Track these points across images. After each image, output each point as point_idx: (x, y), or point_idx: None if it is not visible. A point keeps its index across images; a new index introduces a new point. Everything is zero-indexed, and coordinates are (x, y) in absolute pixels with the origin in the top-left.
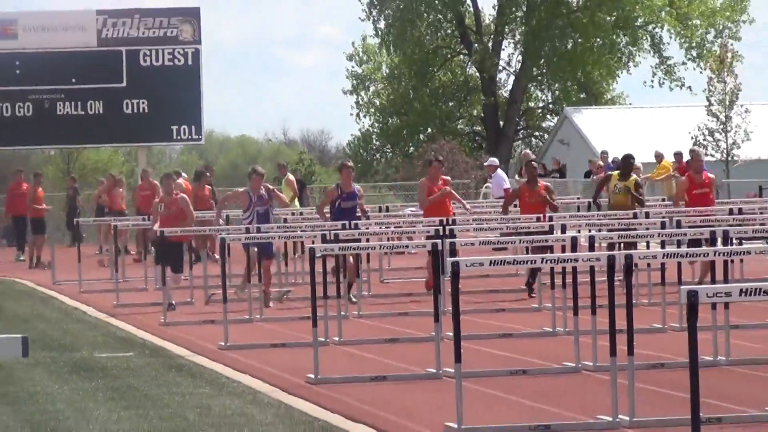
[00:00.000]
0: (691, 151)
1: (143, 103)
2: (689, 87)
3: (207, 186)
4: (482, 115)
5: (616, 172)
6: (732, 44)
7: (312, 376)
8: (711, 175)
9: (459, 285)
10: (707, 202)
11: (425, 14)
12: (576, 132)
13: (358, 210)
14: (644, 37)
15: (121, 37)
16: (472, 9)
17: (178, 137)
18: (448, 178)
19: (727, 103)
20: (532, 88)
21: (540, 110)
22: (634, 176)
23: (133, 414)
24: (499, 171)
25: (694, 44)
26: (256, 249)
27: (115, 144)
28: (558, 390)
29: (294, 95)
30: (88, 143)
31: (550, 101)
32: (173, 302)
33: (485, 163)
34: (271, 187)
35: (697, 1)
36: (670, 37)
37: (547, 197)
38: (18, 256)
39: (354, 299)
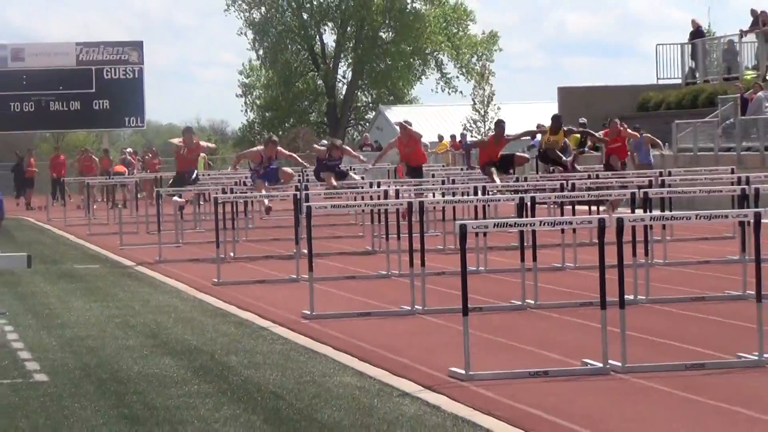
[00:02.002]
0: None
1: (106, 102)
2: (461, 92)
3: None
4: (326, 111)
5: (547, 131)
6: (488, 64)
7: (216, 280)
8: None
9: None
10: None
11: (289, 45)
12: (387, 122)
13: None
14: (431, 60)
15: (92, 59)
16: (319, 42)
17: (129, 124)
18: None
19: (486, 103)
20: (359, 93)
21: (363, 107)
22: (562, 134)
23: (100, 305)
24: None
25: (463, 65)
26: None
27: (88, 129)
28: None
29: (205, 97)
30: (71, 129)
31: (370, 102)
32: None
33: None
34: (286, 152)
35: (466, 37)
36: (449, 60)
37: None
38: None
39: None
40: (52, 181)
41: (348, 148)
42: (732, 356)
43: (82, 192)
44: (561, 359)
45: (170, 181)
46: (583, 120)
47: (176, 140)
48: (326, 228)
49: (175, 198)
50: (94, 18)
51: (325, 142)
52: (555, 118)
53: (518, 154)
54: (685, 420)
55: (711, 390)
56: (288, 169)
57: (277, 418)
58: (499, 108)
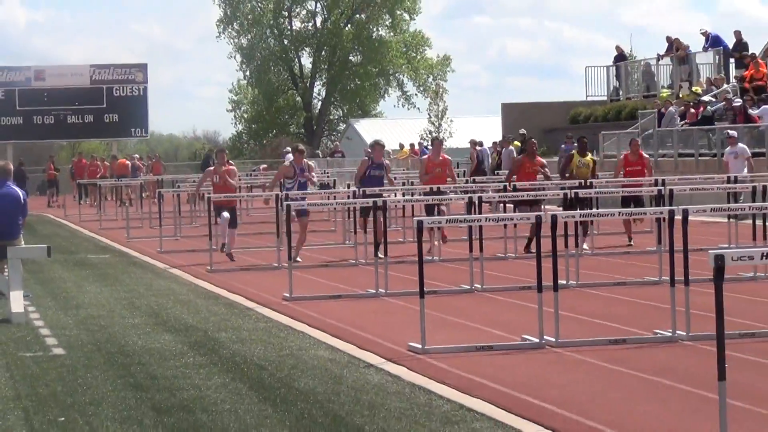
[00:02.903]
0: (436, 140)
1: (115, 116)
2: (418, 108)
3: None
4: (303, 123)
5: (575, 152)
6: (442, 84)
7: (209, 267)
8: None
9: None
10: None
11: (272, 67)
12: (355, 133)
13: (385, 178)
14: (393, 80)
15: (103, 79)
16: (297, 65)
17: (134, 135)
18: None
19: (440, 117)
20: (332, 108)
21: (335, 120)
22: (589, 155)
23: (109, 289)
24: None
25: (420, 84)
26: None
27: (100, 138)
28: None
29: (200, 111)
30: (85, 138)
31: (341, 115)
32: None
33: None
34: (311, 164)
35: (423, 60)
36: (408, 80)
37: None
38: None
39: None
40: (77, 184)
41: (311, 164)
42: (649, 333)
43: (94, 192)
44: (503, 335)
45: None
46: (523, 131)
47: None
48: None
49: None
50: (106, 42)
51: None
52: (582, 139)
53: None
54: (610, 387)
55: (631, 361)
56: (311, 164)
57: (260, 386)
58: (451, 121)
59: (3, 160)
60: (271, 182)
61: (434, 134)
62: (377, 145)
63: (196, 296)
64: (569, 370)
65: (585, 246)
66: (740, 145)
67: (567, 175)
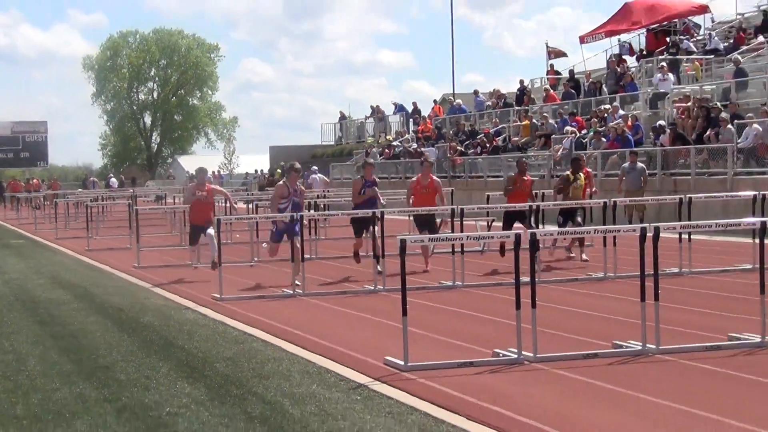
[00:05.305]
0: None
1: (27, 153)
2: (217, 148)
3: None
4: (146, 158)
5: (569, 172)
6: (232, 134)
7: (87, 248)
8: (436, 179)
9: None
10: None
11: (126, 123)
12: (179, 164)
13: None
14: (202, 131)
15: (20, 130)
16: (142, 121)
17: (39, 165)
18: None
19: (231, 154)
20: (163, 148)
21: (166, 156)
22: (581, 174)
23: (24, 261)
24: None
25: (219, 134)
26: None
27: (17, 167)
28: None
29: (81, 150)
30: (8, 167)
31: (170, 153)
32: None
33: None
34: (302, 187)
35: (220, 119)
36: (211, 131)
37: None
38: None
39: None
40: (6, 197)
41: (303, 188)
42: (616, 347)
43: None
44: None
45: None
46: (282, 163)
47: (281, 183)
48: (229, 233)
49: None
50: (18, 105)
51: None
52: (576, 159)
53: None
54: (583, 401)
55: (607, 375)
56: (302, 187)
57: (119, 321)
58: (238, 156)
59: None
60: (271, 203)
61: (227, 165)
62: (367, 164)
63: (78, 265)
64: (547, 384)
65: (584, 256)
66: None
67: (560, 196)
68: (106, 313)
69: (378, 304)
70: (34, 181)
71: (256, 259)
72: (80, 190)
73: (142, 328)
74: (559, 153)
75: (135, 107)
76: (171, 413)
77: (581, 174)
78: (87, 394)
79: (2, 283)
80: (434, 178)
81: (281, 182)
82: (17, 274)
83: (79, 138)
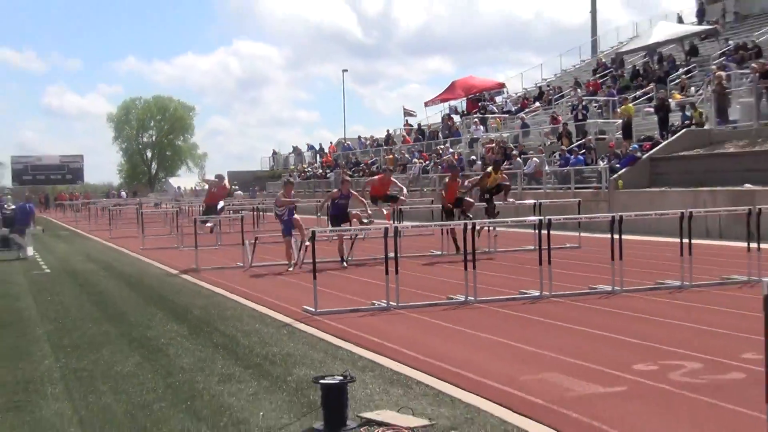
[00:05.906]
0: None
1: (70, 175)
2: (195, 173)
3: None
4: (147, 178)
5: (491, 169)
6: (204, 163)
7: (109, 235)
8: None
9: None
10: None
11: (134, 156)
12: (170, 184)
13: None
14: (184, 162)
15: (66, 159)
16: (146, 155)
17: (78, 183)
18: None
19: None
20: (159, 172)
21: (161, 178)
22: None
23: (68, 245)
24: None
25: (195, 162)
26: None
27: (68, 184)
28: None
29: (106, 173)
30: (65, 183)
31: (163, 176)
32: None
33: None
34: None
35: (197, 155)
36: (191, 163)
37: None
38: None
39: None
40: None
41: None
42: (449, 299)
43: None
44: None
45: (203, 210)
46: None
47: (211, 181)
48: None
49: (208, 224)
50: (55, 140)
51: (340, 170)
52: (497, 162)
53: (467, 198)
54: (428, 332)
55: (443, 317)
56: (300, 221)
57: (130, 283)
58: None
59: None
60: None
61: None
62: (289, 183)
63: (104, 248)
64: (407, 323)
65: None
66: None
67: (474, 187)
68: (121, 278)
69: (294, 276)
70: (75, 194)
71: (219, 243)
72: (104, 199)
73: (145, 287)
74: (411, 175)
75: (140, 146)
76: (164, 343)
77: (499, 174)
78: (110, 331)
79: (54, 259)
80: (351, 190)
81: (280, 193)
82: (63, 254)
83: (104, 166)
